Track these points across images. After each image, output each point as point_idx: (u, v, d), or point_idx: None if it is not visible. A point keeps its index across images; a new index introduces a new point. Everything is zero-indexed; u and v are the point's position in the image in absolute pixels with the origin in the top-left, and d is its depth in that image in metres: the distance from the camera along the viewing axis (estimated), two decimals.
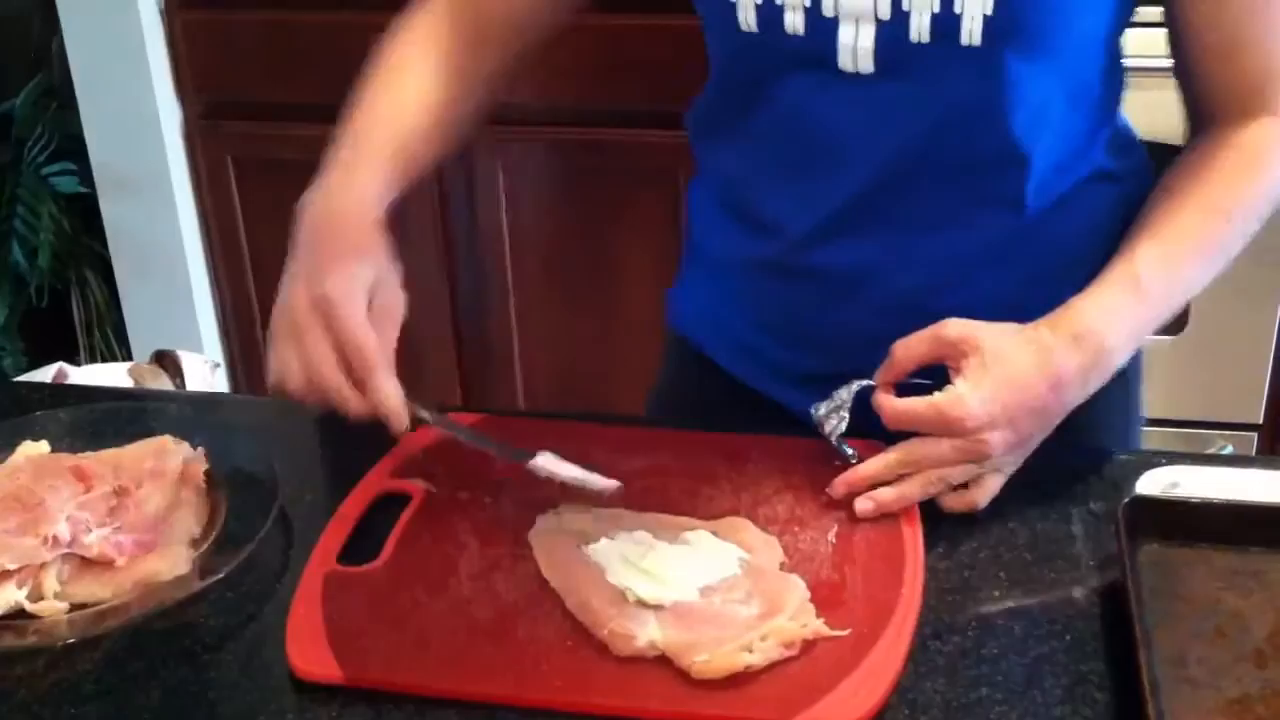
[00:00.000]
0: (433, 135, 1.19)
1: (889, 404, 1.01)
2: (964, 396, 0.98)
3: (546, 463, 1.04)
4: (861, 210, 1.11)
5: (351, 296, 1.03)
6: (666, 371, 1.36)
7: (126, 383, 1.82)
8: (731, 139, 1.17)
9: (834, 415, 1.06)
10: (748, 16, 1.05)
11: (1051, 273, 1.11)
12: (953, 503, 1.03)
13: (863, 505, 1.01)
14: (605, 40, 2.34)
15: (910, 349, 1.02)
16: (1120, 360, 1.03)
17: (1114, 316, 1.02)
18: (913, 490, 1.01)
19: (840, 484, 1.03)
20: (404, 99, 1.19)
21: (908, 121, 1.06)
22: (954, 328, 1.00)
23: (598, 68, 2.41)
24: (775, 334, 1.22)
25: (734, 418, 1.20)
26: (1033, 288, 1.07)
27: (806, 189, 1.12)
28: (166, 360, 1.99)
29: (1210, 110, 1.12)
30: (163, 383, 1.86)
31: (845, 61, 1.04)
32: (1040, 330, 1.00)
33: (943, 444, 0.99)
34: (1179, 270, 1.06)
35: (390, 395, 1.02)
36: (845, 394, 1.06)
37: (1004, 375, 0.98)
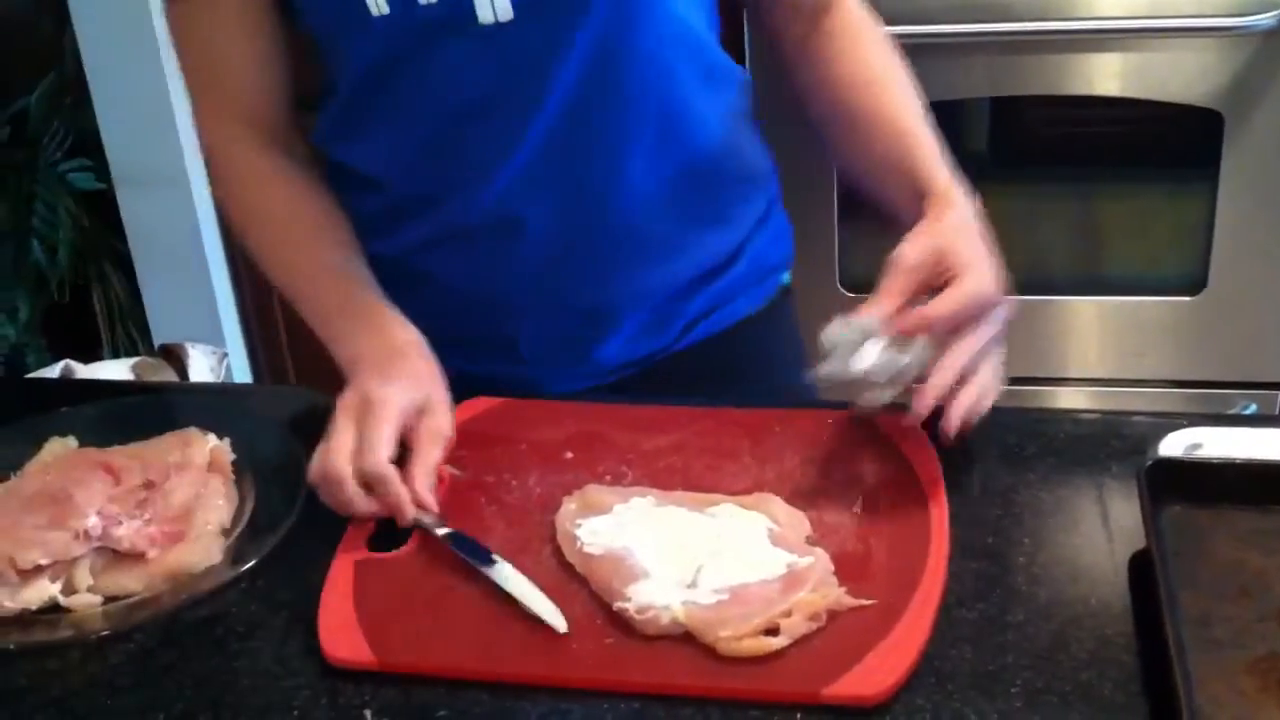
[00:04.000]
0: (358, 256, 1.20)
1: (934, 310, 1.01)
2: (983, 277, 1.03)
3: (503, 571, 0.97)
4: (540, 158, 1.15)
5: (386, 403, 1.04)
6: None
7: (130, 379, 1.83)
8: (380, 133, 1.18)
9: (850, 359, 1.02)
10: (378, 1, 1.06)
11: (697, 163, 1.22)
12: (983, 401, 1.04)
13: (953, 425, 1.00)
14: None
15: (909, 278, 1.03)
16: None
17: (938, 164, 1.13)
18: (989, 380, 1.03)
19: (921, 405, 1.00)
20: (327, 251, 1.19)
21: (557, 60, 1.10)
22: (911, 254, 1.04)
23: None
24: (449, 314, 1.23)
25: None
26: (682, 179, 1.20)
27: (477, 156, 1.15)
28: (171, 354, 2.00)
29: (780, 24, 1.24)
30: (167, 377, 1.87)
31: (485, 14, 1.06)
32: (943, 213, 1.07)
33: (982, 328, 1.02)
34: (914, 105, 1.18)
35: (397, 494, 1.02)
36: (851, 335, 1.02)
37: (974, 255, 1.04)
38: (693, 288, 1.28)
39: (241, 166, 1.21)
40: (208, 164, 1.25)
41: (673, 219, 1.23)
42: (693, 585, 0.93)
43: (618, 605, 0.92)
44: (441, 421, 1.07)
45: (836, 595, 0.91)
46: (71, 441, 1.13)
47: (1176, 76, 2.19)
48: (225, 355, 1.58)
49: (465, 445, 1.12)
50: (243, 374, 2.76)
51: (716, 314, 1.30)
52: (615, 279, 1.24)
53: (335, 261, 1.17)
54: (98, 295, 2.81)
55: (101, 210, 2.76)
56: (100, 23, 2.53)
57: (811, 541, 0.97)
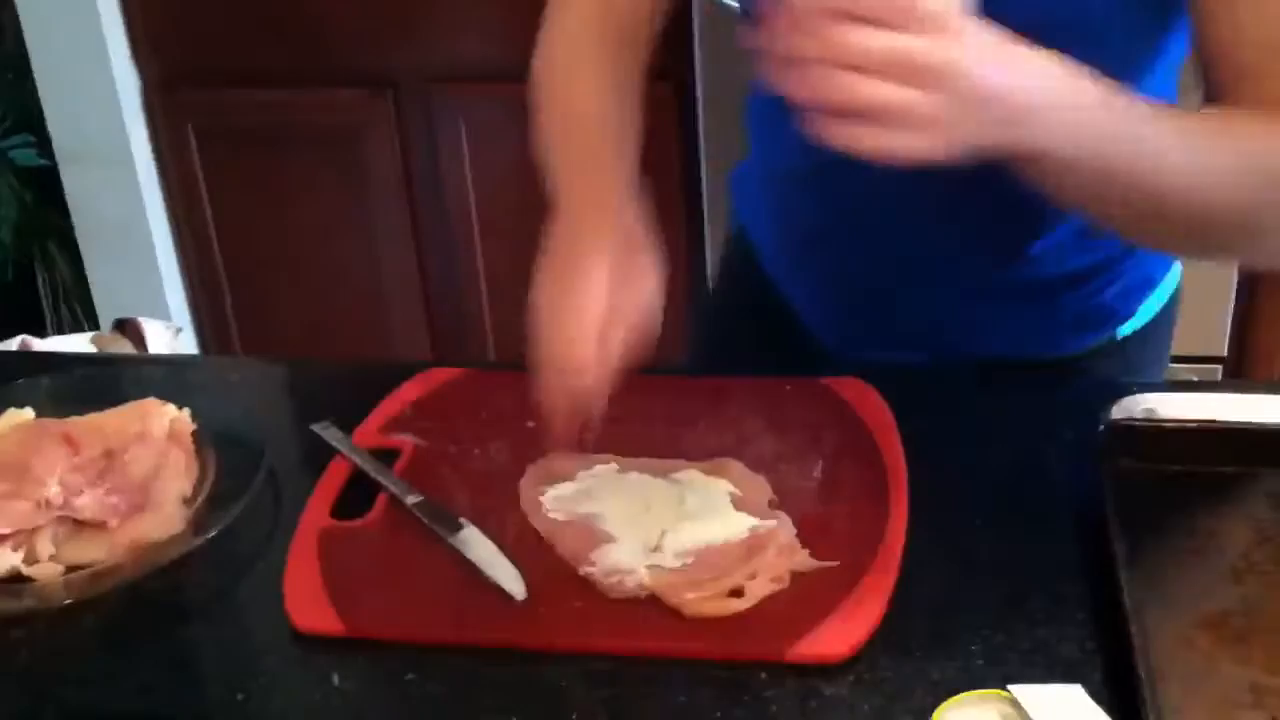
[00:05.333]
0: (626, 133, 1.11)
1: None
2: None
3: (468, 537, 0.97)
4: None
5: (562, 312, 0.98)
6: (725, 264, 1.40)
7: (91, 352, 1.82)
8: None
9: None
10: None
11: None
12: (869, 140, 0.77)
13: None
14: None
15: None
16: (1057, 143, 0.83)
17: (1116, 115, 0.86)
18: (831, 84, 0.75)
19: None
20: (583, 118, 1.11)
21: None
22: None
23: None
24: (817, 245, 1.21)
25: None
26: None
27: None
28: (128, 328, 1.99)
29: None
30: (126, 350, 1.85)
31: None
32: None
33: (879, 36, 0.74)
34: (1182, 153, 0.88)
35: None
36: None
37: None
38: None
39: (577, 65, 1.14)
40: (538, 46, 1.15)
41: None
42: (657, 549, 0.94)
43: (584, 570, 0.93)
44: (627, 301, 0.98)
45: (799, 557, 0.92)
46: (29, 413, 1.12)
47: None
48: (180, 329, 1.57)
49: (427, 416, 1.13)
50: (184, 347, 2.75)
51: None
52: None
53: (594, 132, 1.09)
54: (42, 273, 2.79)
55: (44, 188, 2.73)
56: None
57: (774, 505, 0.99)
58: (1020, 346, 1.20)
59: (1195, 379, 2.36)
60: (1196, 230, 0.92)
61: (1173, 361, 2.36)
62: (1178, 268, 1.27)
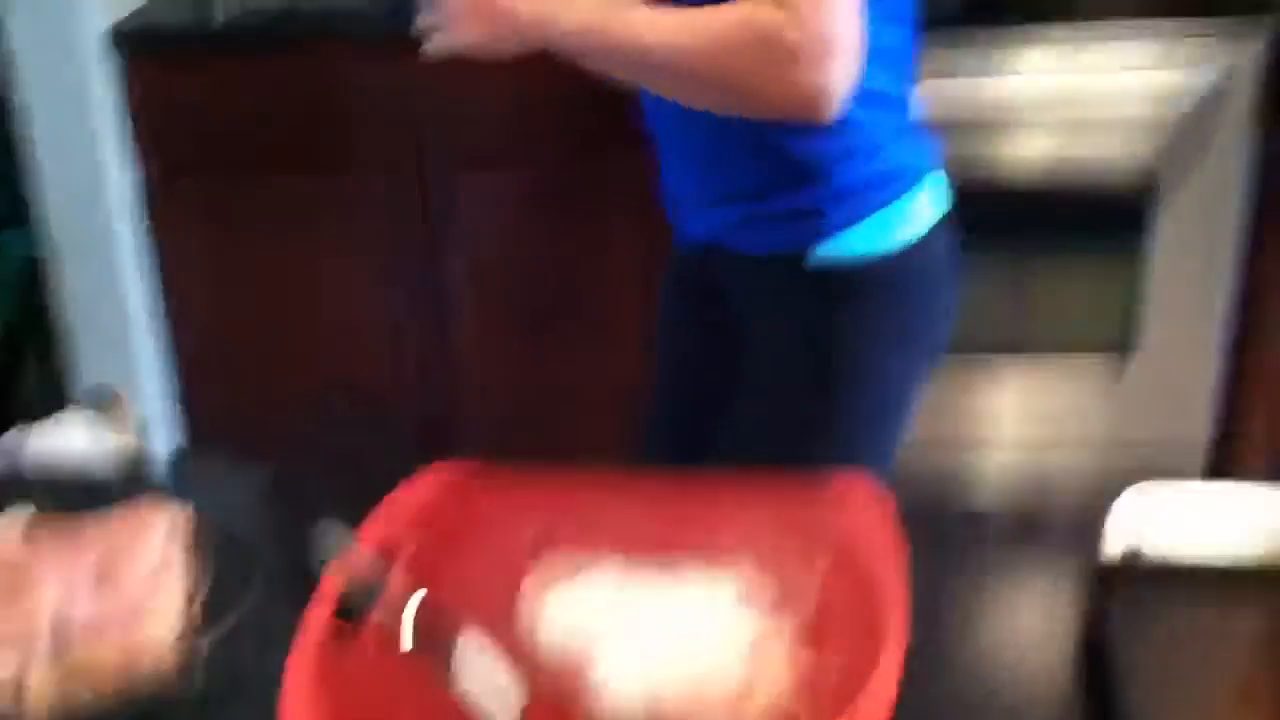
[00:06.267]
0: None
1: None
2: None
3: (465, 656, 0.96)
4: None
5: None
6: None
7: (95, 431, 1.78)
8: None
9: None
10: None
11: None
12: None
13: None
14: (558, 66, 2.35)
15: None
16: (564, 44, 1.32)
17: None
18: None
19: None
20: None
21: None
22: None
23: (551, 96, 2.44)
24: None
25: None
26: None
27: None
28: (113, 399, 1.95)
29: None
30: (125, 418, 1.80)
31: None
32: None
33: None
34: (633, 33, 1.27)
35: None
36: None
37: None
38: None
39: None
40: None
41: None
42: (655, 673, 0.93)
43: (581, 691, 0.93)
44: None
45: (803, 656, 0.92)
46: (23, 518, 1.11)
47: (1106, 154, 2.28)
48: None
49: (424, 519, 1.11)
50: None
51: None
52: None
53: None
54: (30, 368, 2.78)
55: (34, 283, 2.73)
56: (41, 94, 2.51)
57: (777, 605, 0.98)
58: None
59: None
60: (676, 86, 1.30)
61: (1157, 446, 2.39)
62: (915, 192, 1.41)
